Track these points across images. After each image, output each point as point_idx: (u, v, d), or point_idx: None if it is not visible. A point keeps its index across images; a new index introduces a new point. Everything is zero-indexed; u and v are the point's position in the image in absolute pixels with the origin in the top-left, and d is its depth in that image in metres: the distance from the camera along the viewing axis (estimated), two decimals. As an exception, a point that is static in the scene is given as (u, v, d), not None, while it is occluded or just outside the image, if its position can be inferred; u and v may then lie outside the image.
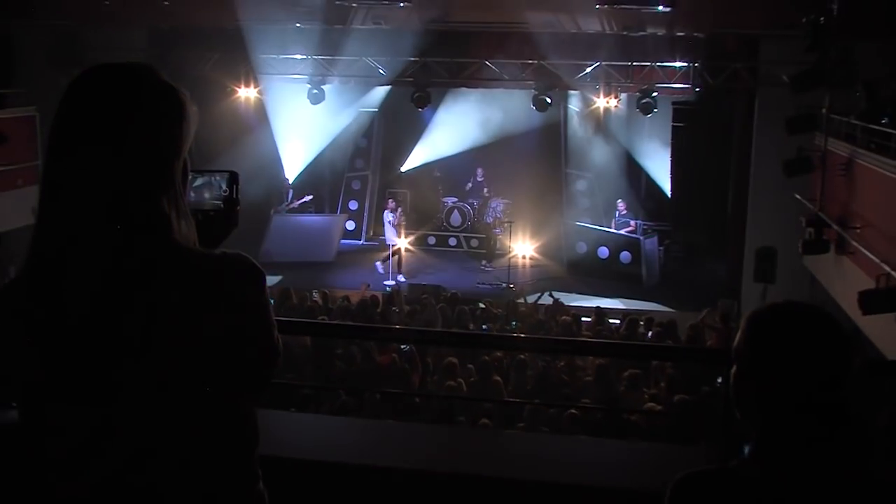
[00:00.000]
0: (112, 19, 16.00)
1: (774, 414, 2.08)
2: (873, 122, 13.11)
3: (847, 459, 2.05)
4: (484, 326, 14.39)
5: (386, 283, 19.01)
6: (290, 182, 21.38)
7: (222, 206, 2.31)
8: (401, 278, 19.26)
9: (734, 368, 2.15)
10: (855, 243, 12.86)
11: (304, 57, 18.46)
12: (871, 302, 10.98)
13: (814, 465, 2.04)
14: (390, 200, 20.45)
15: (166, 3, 15.24)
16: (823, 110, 14.83)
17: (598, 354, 11.41)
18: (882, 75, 13.66)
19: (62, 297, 1.84)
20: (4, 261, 16.76)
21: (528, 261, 20.79)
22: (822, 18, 13.60)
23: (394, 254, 19.67)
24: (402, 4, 14.66)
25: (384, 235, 21.04)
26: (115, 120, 1.88)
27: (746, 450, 2.13)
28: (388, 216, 20.01)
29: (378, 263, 20.03)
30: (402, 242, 20.05)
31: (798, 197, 15.40)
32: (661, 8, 13.95)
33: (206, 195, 2.31)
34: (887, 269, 11.02)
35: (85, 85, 1.92)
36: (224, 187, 2.33)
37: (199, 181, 2.31)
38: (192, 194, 2.27)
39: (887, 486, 2.07)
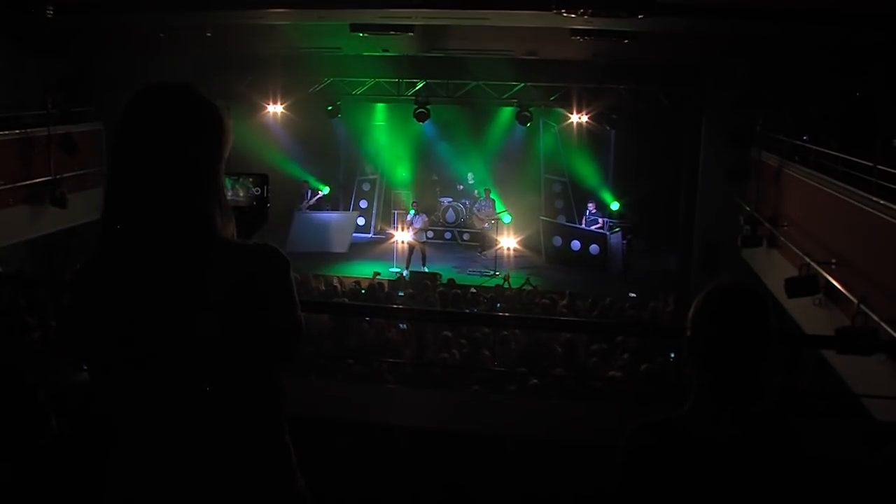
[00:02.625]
0: (165, 50, 16.01)
1: (712, 371, 2.13)
2: (797, 139, 13.19)
3: (766, 411, 2.11)
4: (475, 309, 14.40)
5: (392, 269, 18.98)
6: (309, 184, 21.35)
7: (255, 203, 2.34)
8: (426, 269, 19.09)
9: (688, 334, 2.18)
10: (783, 238, 12.94)
11: (323, 78, 18.48)
12: (795, 287, 11.08)
13: (739, 417, 2.10)
14: (415, 203, 20.36)
15: (208, 34, 15.25)
16: (757, 127, 14.91)
17: (572, 331, 11.41)
18: (804, 99, 13.76)
19: (126, 277, 1.87)
20: (76, 249, 16.83)
21: (512, 252, 20.73)
22: (756, 53, 13.73)
23: (411, 248, 19.63)
24: (408, 35, 14.62)
25: (390, 230, 21.13)
26: (164, 130, 1.90)
27: (687, 404, 2.18)
28: (415, 219, 19.81)
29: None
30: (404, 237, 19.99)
31: (737, 199, 15.47)
32: (625, 40, 13.94)
33: (241, 194, 2.33)
34: (808, 260, 11.11)
35: (139, 102, 1.94)
36: (256, 188, 2.35)
37: (234, 182, 2.32)
38: (230, 193, 2.29)
39: (796, 436, 2.13)
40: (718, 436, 2.10)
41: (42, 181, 14.77)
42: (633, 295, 16.23)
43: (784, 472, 2.11)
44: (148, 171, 1.89)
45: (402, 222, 20.20)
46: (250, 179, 2.36)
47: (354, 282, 16.37)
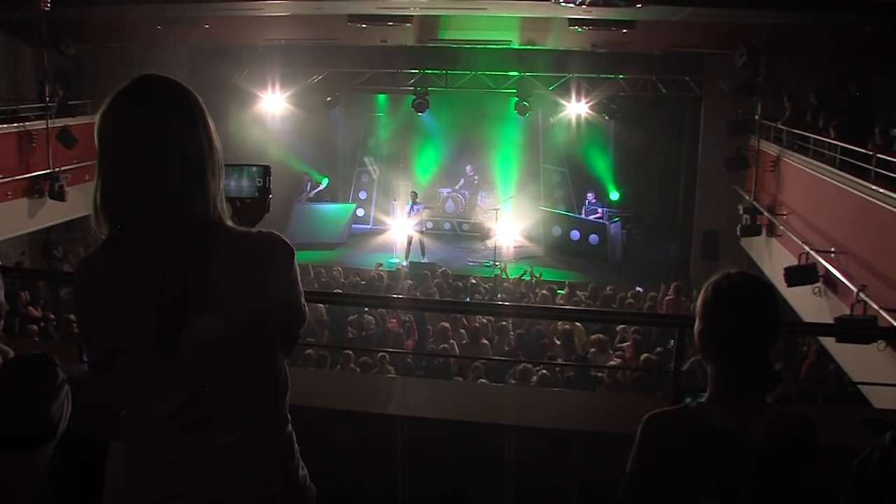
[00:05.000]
0: (162, 41, 16.00)
1: (727, 362, 2.14)
2: (796, 127, 13.20)
3: (781, 400, 2.12)
4: (471, 297, 14.42)
5: (392, 260, 18.98)
6: (309, 176, 21.34)
7: (257, 194, 2.34)
8: (424, 260, 19.17)
9: (697, 325, 2.18)
10: (782, 227, 12.95)
11: (321, 69, 18.45)
12: (794, 276, 11.10)
13: (757, 407, 2.10)
14: (413, 194, 20.35)
15: (206, 26, 15.23)
16: (756, 116, 14.92)
17: (571, 319, 11.44)
18: (802, 88, 13.75)
19: (129, 267, 1.86)
20: (77, 240, 16.89)
21: (511, 242, 20.75)
22: (754, 42, 13.77)
23: (410, 239, 19.58)
24: (406, 25, 14.63)
25: (389, 221, 21.15)
26: (166, 119, 1.87)
27: (705, 394, 2.19)
28: (412, 209, 19.77)
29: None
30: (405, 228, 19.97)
31: (737, 188, 15.49)
32: (623, 30, 13.95)
33: (244, 185, 2.34)
34: (807, 248, 11.12)
35: (134, 93, 1.90)
36: (258, 179, 2.36)
37: (237, 173, 2.33)
38: (232, 184, 2.30)
39: (813, 426, 2.15)
40: (740, 429, 2.12)
41: (41, 174, 14.79)
42: (639, 289, 16.07)
43: (801, 465, 2.13)
44: (149, 161, 1.86)
45: (402, 213, 20.20)
46: (253, 170, 2.37)
47: (355, 273, 16.39)
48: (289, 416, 2.11)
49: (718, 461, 2.12)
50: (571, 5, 11.70)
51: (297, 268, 2.08)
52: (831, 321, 9.51)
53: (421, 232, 19.66)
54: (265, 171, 2.38)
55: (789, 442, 2.14)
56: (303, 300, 2.12)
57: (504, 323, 12.07)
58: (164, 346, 1.86)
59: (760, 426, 2.12)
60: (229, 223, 1.98)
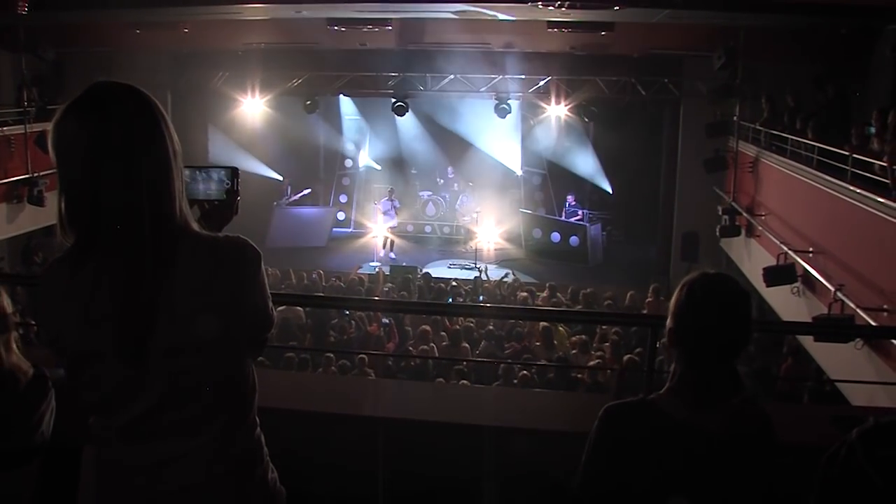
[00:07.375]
0: (141, 45, 15.91)
1: (694, 360, 2.15)
2: (774, 129, 13.29)
3: (742, 399, 2.15)
4: (450, 299, 14.43)
5: (372, 264, 18.98)
6: (289, 180, 21.29)
7: (225, 196, 2.32)
8: (392, 255, 19.39)
9: (668, 322, 2.20)
10: (760, 228, 13.03)
11: (301, 72, 18.41)
12: (773, 276, 11.16)
13: (717, 405, 2.12)
14: (391, 189, 20.39)
15: (186, 30, 15.17)
16: (735, 118, 15.01)
17: (552, 321, 11.45)
18: (780, 90, 13.86)
19: (94, 274, 1.85)
20: (56, 246, 16.75)
21: (492, 245, 20.78)
22: (732, 44, 13.87)
23: (385, 240, 19.72)
24: (386, 29, 14.62)
25: (369, 224, 21.17)
26: (129, 126, 1.84)
27: (665, 387, 2.21)
28: (386, 205, 19.87)
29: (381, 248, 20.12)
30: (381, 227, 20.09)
31: (716, 189, 15.58)
32: (602, 32, 14.00)
33: (213, 187, 2.32)
34: (786, 248, 11.19)
35: (95, 98, 1.88)
36: (226, 181, 2.34)
37: (205, 175, 2.32)
38: (200, 187, 2.29)
39: (769, 423, 2.17)
40: (695, 421, 2.13)
41: (19, 179, 14.68)
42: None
43: (756, 459, 2.15)
44: (118, 169, 1.84)
45: (379, 213, 20.31)
46: (221, 172, 2.35)
47: (335, 277, 16.38)
48: (258, 420, 2.10)
49: (673, 451, 2.14)
50: (550, 7, 11.73)
51: (264, 271, 2.06)
52: (809, 320, 9.59)
53: (392, 228, 19.72)
54: (233, 172, 2.35)
55: (744, 434, 2.16)
56: (270, 304, 2.10)
57: (491, 327, 12.08)
58: (131, 353, 1.85)
59: (716, 418, 2.14)
60: (195, 227, 1.97)
